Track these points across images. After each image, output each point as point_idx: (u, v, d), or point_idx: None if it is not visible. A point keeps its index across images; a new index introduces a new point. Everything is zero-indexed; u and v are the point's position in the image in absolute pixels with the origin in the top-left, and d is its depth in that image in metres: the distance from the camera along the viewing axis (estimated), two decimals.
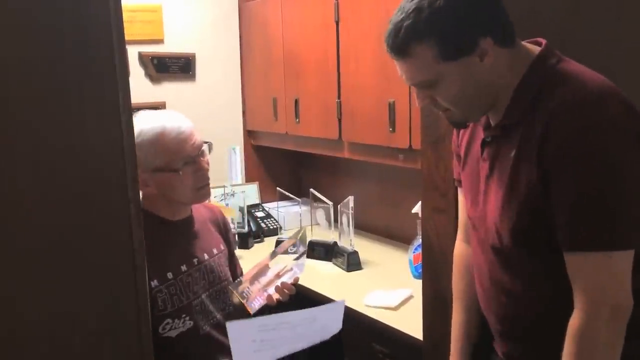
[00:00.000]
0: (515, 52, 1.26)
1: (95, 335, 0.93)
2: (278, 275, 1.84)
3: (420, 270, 2.04)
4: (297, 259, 1.87)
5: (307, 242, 1.95)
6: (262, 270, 1.83)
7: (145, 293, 0.96)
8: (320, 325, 1.66)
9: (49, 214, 0.88)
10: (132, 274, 0.95)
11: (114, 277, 0.94)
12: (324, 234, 2.94)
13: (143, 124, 1.75)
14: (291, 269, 1.85)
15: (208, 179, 1.84)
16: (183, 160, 1.75)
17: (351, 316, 2.26)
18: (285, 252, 1.88)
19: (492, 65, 1.22)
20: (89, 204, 0.91)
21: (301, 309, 1.66)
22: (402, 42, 1.21)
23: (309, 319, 1.64)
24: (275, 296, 1.82)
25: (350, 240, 2.73)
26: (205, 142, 1.85)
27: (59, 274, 0.89)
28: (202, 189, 1.82)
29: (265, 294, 1.80)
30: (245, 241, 3.10)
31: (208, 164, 1.85)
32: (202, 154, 1.82)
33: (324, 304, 1.78)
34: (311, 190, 2.98)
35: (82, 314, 0.91)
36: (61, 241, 0.89)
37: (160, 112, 1.83)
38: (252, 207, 3.32)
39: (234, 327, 1.54)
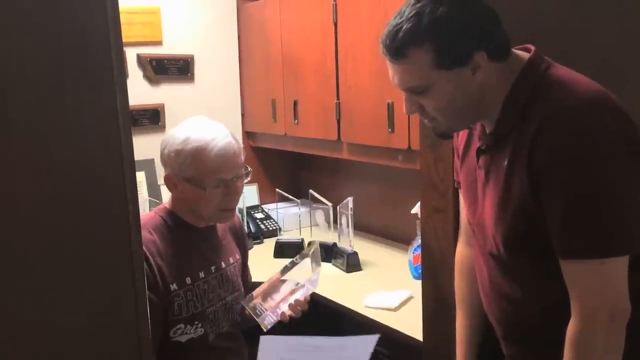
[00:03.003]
0: (507, 64, 1.24)
1: (95, 337, 0.93)
2: (291, 292, 1.83)
3: (420, 271, 2.04)
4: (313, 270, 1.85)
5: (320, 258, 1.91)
6: (274, 285, 1.82)
7: (144, 294, 0.96)
8: (348, 356, 1.62)
9: (48, 215, 0.88)
10: (130, 275, 0.95)
11: (113, 278, 0.94)
12: (323, 235, 2.94)
13: (192, 131, 1.74)
14: (304, 286, 1.84)
15: (235, 203, 1.83)
16: (215, 182, 1.73)
17: (351, 317, 2.26)
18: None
19: (484, 79, 1.22)
20: (87, 205, 0.91)
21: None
22: (399, 45, 1.20)
23: (339, 347, 1.60)
24: (288, 312, 1.81)
25: (350, 241, 2.73)
26: (246, 169, 1.83)
27: (57, 275, 0.89)
28: (225, 212, 1.81)
29: (279, 311, 1.80)
30: None
31: (242, 188, 1.83)
32: (237, 178, 1.79)
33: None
34: (310, 191, 2.98)
35: (80, 315, 0.91)
36: (60, 243, 0.89)
37: (212, 125, 1.79)
38: (251, 209, 3.32)
39: (266, 341, 1.51)
